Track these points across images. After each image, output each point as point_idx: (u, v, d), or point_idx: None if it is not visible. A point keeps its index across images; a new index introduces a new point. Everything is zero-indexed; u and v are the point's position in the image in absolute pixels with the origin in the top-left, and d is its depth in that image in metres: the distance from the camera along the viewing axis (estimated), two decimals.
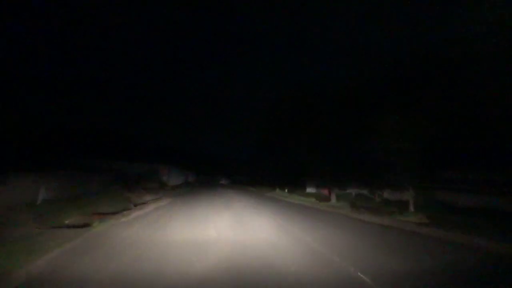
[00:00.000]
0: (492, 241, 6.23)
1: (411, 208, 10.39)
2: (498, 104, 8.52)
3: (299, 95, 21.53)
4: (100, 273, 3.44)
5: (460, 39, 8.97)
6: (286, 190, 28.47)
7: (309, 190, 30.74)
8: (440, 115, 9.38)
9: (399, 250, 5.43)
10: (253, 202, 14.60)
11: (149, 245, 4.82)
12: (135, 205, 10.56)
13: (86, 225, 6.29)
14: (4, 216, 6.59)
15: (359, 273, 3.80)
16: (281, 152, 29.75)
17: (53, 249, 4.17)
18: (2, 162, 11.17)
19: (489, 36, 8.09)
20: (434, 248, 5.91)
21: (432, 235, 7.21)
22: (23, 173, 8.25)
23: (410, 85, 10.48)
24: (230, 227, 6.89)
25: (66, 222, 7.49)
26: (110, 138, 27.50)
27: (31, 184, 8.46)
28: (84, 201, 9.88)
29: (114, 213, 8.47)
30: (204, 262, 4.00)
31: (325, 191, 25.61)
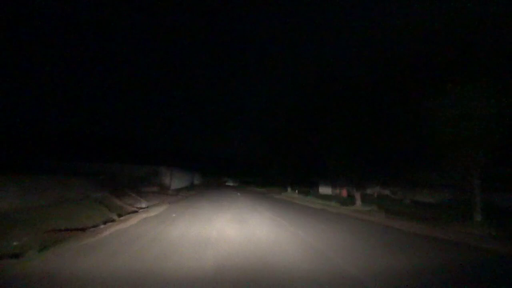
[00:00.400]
0: None
1: (477, 216, 7.87)
2: None
3: (311, 87, 19.19)
4: None
5: None
6: (297, 191, 26.01)
7: (322, 190, 28.19)
8: None
9: None
10: (264, 207, 12.34)
11: None
12: (120, 216, 8.47)
13: (16, 256, 4.17)
14: None
15: None
16: (291, 151, 27.43)
17: None
18: None
19: None
20: None
21: None
22: None
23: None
24: (239, 250, 4.66)
25: (15, 243, 5.45)
26: (108, 140, 25.82)
27: None
28: (55, 212, 7.86)
29: (84, 229, 6.38)
30: None
31: (342, 192, 23.09)
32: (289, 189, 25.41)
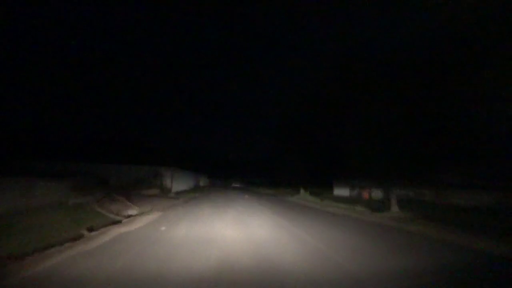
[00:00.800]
0: None
1: None
2: None
3: (331, 72, 16.84)
4: None
5: None
6: (308, 193, 23.53)
7: (338, 192, 25.69)
8: None
9: None
10: (278, 213, 10.09)
11: None
12: (92, 230, 6.41)
13: None
14: None
15: None
16: (303, 149, 25.02)
17: None
18: None
19: None
20: None
21: None
22: None
23: None
24: None
25: None
26: (104, 140, 24.15)
27: None
28: (8, 223, 5.91)
29: (24, 257, 4.32)
30: None
31: (364, 194, 20.56)
32: (302, 191, 23.05)
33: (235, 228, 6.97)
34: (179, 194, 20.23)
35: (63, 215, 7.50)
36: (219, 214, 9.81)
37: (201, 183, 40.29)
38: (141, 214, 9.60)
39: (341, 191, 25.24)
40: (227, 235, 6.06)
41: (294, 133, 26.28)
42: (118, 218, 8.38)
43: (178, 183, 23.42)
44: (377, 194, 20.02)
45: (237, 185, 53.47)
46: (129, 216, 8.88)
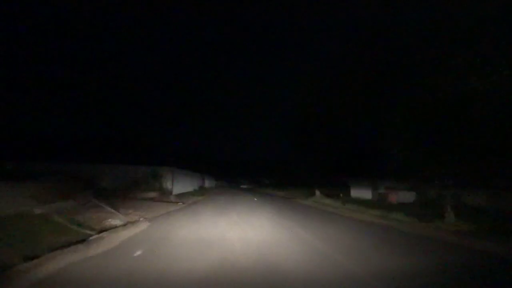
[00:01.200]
0: None
1: None
2: None
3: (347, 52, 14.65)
4: None
5: None
6: (319, 194, 21.01)
7: (355, 193, 23.12)
8: None
9: None
10: (299, 223, 7.80)
11: None
12: (33, 258, 4.33)
13: None
14: None
15: None
16: (319, 145, 22.59)
17: None
18: None
19: None
20: None
21: None
22: None
23: None
24: None
25: None
26: (100, 139, 22.48)
27: None
28: None
29: None
30: None
31: (391, 197, 17.97)
32: (317, 193, 20.65)
33: (247, 252, 4.78)
34: (180, 197, 18.25)
35: (8, 231, 5.49)
36: (225, 225, 7.65)
37: (207, 185, 38.39)
38: (124, 225, 7.56)
39: (359, 193, 22.65)
40: (235, 262, 3.88)
41: (303, 132, 24.07)
42: (87, 232, 6.30)
43: (180, 184, 21.47)
44: (405, 196, 17.42)
45: (245, 186, 51.48)
46: (104, 230, 6.80)
